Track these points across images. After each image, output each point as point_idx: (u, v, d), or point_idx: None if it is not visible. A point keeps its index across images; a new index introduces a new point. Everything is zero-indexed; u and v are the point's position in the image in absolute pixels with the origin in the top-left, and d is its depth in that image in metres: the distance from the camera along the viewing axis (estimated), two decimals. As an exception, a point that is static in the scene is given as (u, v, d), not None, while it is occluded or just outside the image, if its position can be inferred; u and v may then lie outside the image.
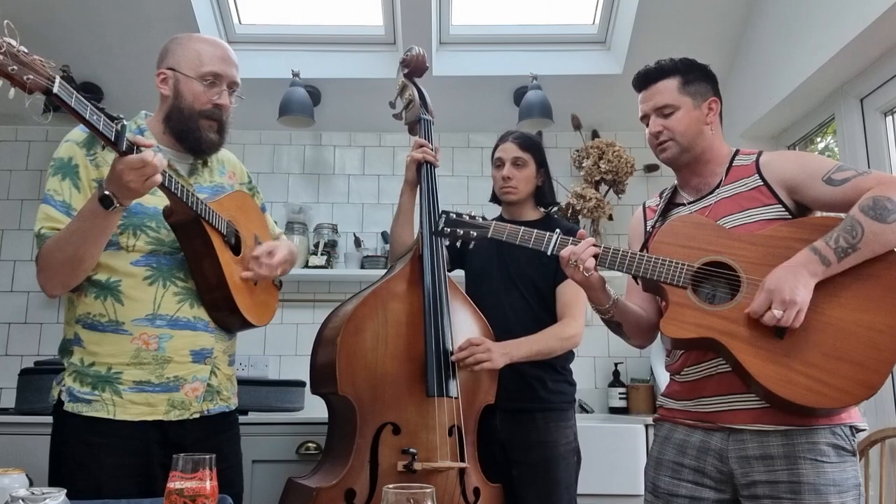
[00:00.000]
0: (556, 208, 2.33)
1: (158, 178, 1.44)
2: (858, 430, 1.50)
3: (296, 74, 3.22)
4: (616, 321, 1.66)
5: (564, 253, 1.55)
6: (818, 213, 1.59)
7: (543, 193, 2.24)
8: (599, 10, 3.29)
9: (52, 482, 1.56)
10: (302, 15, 3.41)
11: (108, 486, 1.51)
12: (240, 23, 3.35)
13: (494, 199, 2.29)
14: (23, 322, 3.29)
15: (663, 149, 1.65)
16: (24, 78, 1.23)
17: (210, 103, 1.70)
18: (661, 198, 1.78)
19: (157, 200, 1.64)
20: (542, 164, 2.22)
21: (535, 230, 1.61)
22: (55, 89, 1.28)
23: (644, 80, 1.68)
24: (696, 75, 1.66)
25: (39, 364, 2.68)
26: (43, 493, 1.02)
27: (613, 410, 3.19)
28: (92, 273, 1.60)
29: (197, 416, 1.66)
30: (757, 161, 1.62)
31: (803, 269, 1.41)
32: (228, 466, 1.76)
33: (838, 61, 2.47)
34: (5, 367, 3.17)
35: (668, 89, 1.65)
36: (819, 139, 3.09)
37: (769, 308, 1.40)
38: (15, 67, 1.22)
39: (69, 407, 1.58)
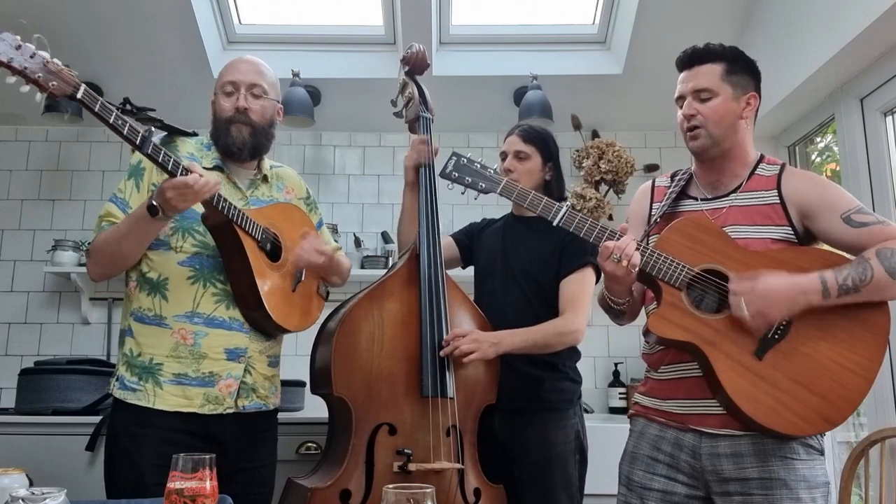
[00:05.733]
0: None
1: (198, 203, 1.59)
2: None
3: (296, 74, 3.22)
4: (623, 311, 1.66)
5: (608, 244, 1.50)
6: (822, 245, 1.58)
7: (552, 188, 2.20)
8: (599, 10, 3.29)
9: (105, 472, 1.73)
10: (302, 15, 3.42)
11: (149, 474, 1.62)
12: (240, 23, 3.35)
13: None
14: (23, 322, 3.29)
15: (694, 136, 1.60)
16: (50, 84, 1.40)
17: (232, 109, 1.81)
18: (672, 180, 1.74)
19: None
20: (549, 158, 2.18)
21: (546, 197, 1.61)
22: (79, 95, 1.44)
23: (689, 59, 1.63)
24: (741, 66, 1.61)
25: (39, 364, 2.68)
26: (43, 493, 1.02)
27: (613, 410, 3.19)
28: (146, 271, 1.75)
29: (231, 411, 1.74)
30: (779, 176, 1.59)
31: (802, 298, 1.44)
32: (262, 465, 1.85)
33: (838, 61, 2.47)
34: (5, 367, 3.18)
35: (710, 73, 1.59)
36: (819, 139, 3.09)
37: (743, 298, 1.43)
38: (41, 75, 1.38)
39: (118, 393, 1.73)
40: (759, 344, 1.46)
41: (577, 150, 3.39)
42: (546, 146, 2.18)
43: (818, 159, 3.15)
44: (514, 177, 2.14)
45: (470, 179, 1.64)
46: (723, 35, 3.09)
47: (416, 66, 2.18)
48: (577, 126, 3.39)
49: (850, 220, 1.50)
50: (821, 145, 3.12)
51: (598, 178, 3.27)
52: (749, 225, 1.56)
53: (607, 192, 3.33)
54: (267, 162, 1.95)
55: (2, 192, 3.40)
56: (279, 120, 1.93)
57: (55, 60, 1.40)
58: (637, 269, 1.50)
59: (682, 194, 1.70)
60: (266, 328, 1.81)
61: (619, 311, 1.67)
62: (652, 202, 1.76)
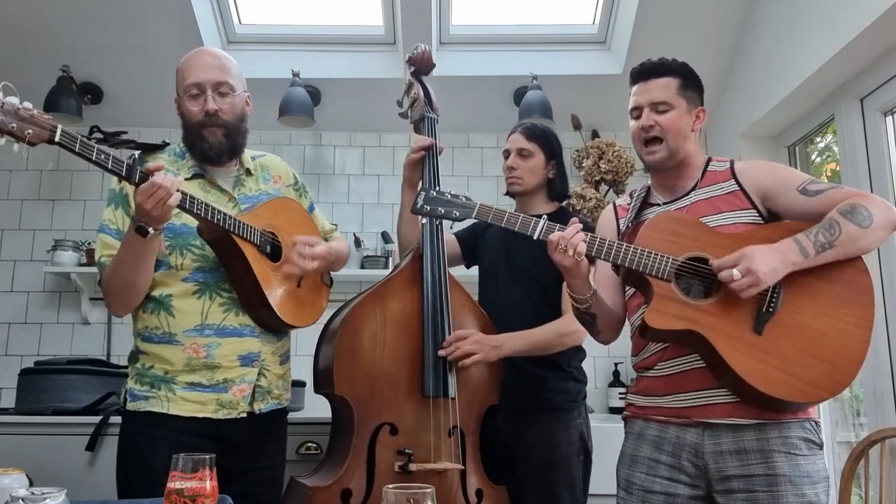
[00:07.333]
0: (566, 202, 2.29)
1: (175, 198, 1.50)
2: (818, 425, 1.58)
3: (296, 74, 3.22)
4: (592, 313, 1.67)
5: (553, 237, 1.54)
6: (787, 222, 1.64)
7: (555, 186, 2.20)
8: (599, 10, 3.29)
9: (118, 474, 1.71)
10: (302, 15, 3.42)
11: (163, 477, 1.57)
12: (240, 23, 3.35)
13: (509, 192, 2.27)
14: (23, 322, 3.29)
15: (651, 152, 1.67)
16: (25, 133, 1.33)
17: (201, 113, 1.74)
18: (632, 198, 1.80)
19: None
20: (552, 155, 2.18)
21: (521, 214, 1.60)
22: (57, 138, 1.37)
23: (647, 72, 1.69)
24: (692, 81, 1.70)
25: (39, 364, 2.68)
26: (43, 493, 1.02)
27: (613, 410, 3.19)
28: (150, 291, 1.72)
29: (244, 415, 1.73)
30: (731, 168, 1.68)
31: (781, 256, 1.47)
32: (273, 466, 1.84)
33: (838, 61, 2.47)
34: (5, 367, 3.18)
35: (667, 87, 1.66)
36: (819, 139, 3.09)
37: (733, 267, 1.45)
38: (15, 125, 1.31)
39: (130, 406, 1.72)
40: (755, 320, 1.50)
41: (577, 150, 3.39)
42: (549, 144, 2.19)
43: (818, 159, 3.15)
44: (516, 174, 2.16)
45: (443, 210, 1.61)
46: (723, 35, 3.12)
47: (421, 66, 2.19)
48: (577, 126, 3.39)
49: (806, 190, 1.58)
50: (821, 145, 3.12)
51: (598, 178, 3.27)
52: (716, 213, 1.62)
53: (607, 192, 3.33)
54: (247, 154, 1.88)
55: (2, 192, 3.40)
56: (249, 110, 1.85)
57: (25, 105, 1.32)
58: (583, 256, 1.53)
59: (645, 204, 1.76)
60: (275, 327, 1.81)
61: (587, 316, 1.67)
62: (618, 219, 1.81)
